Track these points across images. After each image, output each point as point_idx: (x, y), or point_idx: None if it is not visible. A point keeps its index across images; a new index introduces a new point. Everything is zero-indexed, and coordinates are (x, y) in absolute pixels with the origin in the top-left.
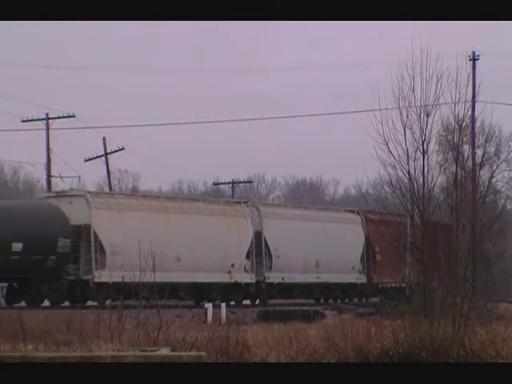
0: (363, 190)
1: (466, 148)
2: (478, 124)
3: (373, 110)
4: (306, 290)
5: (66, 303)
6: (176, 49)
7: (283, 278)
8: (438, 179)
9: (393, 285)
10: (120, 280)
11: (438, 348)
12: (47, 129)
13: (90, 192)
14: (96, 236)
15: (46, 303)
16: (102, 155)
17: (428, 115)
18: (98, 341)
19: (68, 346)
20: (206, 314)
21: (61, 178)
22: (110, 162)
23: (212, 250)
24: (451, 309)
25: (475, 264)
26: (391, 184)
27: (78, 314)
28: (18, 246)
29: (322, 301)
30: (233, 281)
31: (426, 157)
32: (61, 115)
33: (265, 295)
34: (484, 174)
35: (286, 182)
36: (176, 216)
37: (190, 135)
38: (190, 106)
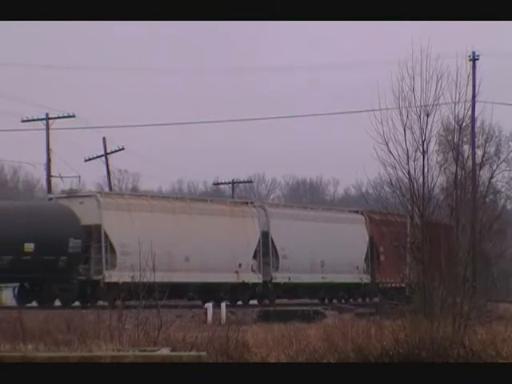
0: (363, 190)
1: (466, 148)
2: (477, 124)
3: (373, 110)
4: (311, 290)
5: (73, 303)
6: (176, 49)
7: (289, 278)
8: (438, 179)
9: (393, 285)
10: (129, 280)
11: (437, 348)
12: (47, 129)
13: (100, 192)
14: (106, 236)
15: (55, 303)
16: (102, 155)
17: (428, 115)
18: (98, 341)
19: (68, 346)
20: (205, 313)
21: (61, 178)
22: (110, 162)
23: (220, 250)
24: (451, 309)
25: (475, 264)
26: (391, 184)
27: (77, 313)
28: (30, 247)
29: (326, 301)
30: (240, 281)
31: (425, 157)
32: (61, 115)
33: (272, 295)
34: (484, 174)
35: (286, 182)
36: (184, 216)
37: (190, 135)
38: (190, 106)
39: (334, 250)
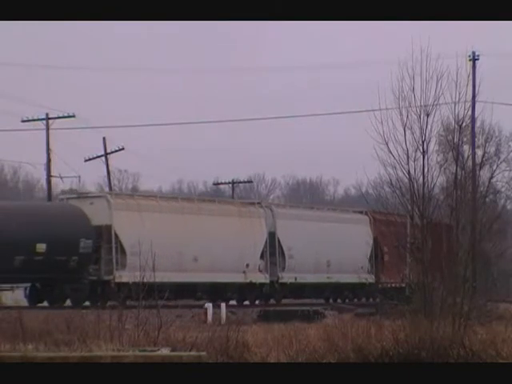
0: (363, 190)
1: (466, 148)
2: (478, 124)
3: (373, 110)
4: (316, 290)
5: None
6: (176, 49)
7: (296, 278)
8: (438, 179)
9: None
10: (140, 280)
11: (437, 348)
12: (47, 129)
13: (110, 193)
14: (117, 237)
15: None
16: (102, 155)
17: (428, 115)
18: (98, 341)
19: (68, 346)
20: (205, 313)
21: (61, 178)
22: (110, 162)
23: (228, 251)
24: (451, 309)
25: (475, 264)
26: (391, 184)
27: (77, 313)
28: (42, 247)
29: (331, 300)
30: (247, 281)
31: (426, 157)
32: (61, 115)
33: (278, 295)
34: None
35: (285, 182)
36: (193, 217)
37: (190, 135)
38: (190, 106)
39: (339, 250)
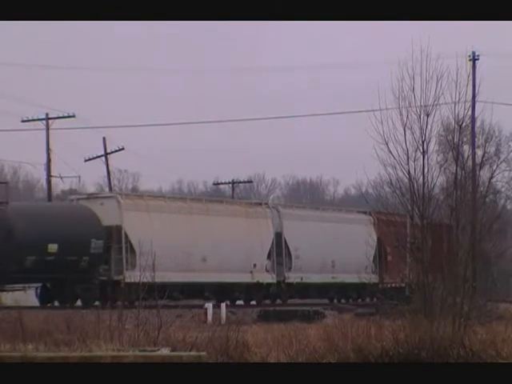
0: (363, 190)
1: (466, 148)
2: (477, 124)
3: (373, 110)
4: (321, 289)
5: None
6: (176, 49)
7: (302, 278)
8: (438, 179)
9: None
10: (149, 280)
11: (437, 348)
12: (47, 129)
13: (120, 193)
14: (127, 237)
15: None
16: (102, 155)
17: (428, 115)
18: (98, 341)
19: (68, 346)
20: (205, 313)
21: (61, 178)
22: (110, 162)
23: (235, 251)
24: (451, 309)
25: (475, 264)
26: (391, 184)
27: (77, 313)
28: (53, 247)
29: (335, 300)
30: (255, 281)
31: (426, 157)
32: (61, 115)
33: (285, 295)
34: (484, 174)
35: (285, 182)
36: (201, 217)
37: (190, 135)
38: (190, 106)
39: (343, 250)
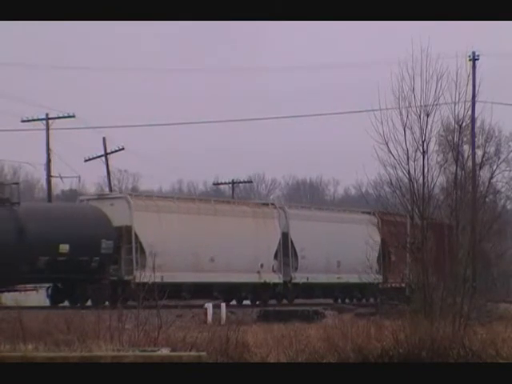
0: (363, 190)
1: (466, 148)
2: (478, 124)
3: (373, 110)
4: (326, 289)
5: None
6: (176, 49)
7: (308, 278)
8: (438, 179)
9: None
10: (159, 280)
11: (437, 348)
12: (47, 129)
13: (130, 194)
14: (137, 237)
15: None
16: (101, 155)
17: (428, 115)
18: (98, 341)
19: (68, 346)
20: (205, 314)
21: (61, 178)
22: (110, 162)
23: (243, 251)
24: (451, 309)
25: (475, 264)
26: (391, 184)
27: (77, 313)
28: (65, 248)
29: (339, 300)
30: (262, 281)
31: (425, 157)
32: (61, 115)
33: (291, 295)
34: (484, 174)
35: (285, 182)
36: (210, 218)
37: (190, 135)
38: (190, 106)
39: (348, 250)
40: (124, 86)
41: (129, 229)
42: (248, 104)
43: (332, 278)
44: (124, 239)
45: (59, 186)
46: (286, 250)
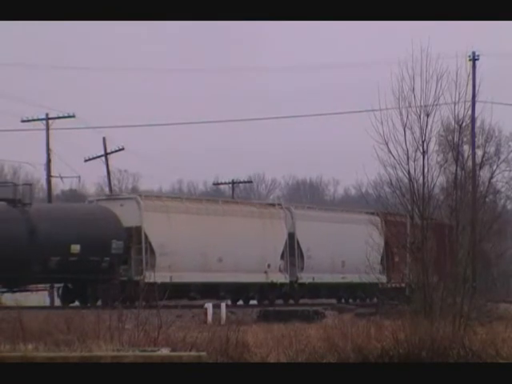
0: (363, 190)
1: (466, 148)
2: (477, 124)
3: (373, 110)
4: (331, 289)
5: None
6: (176, 49)
7: (313, 278)
8: (438, 179)
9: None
10: (168, 280)
11: (437, 348)
12: (47, 129)
13: (140, 195)
14: (146, 237)
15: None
16: (102, 155)
17: (428, 115)
18: (98, 341)
19: (68, 346)
20: (206, 314)
21: (61, 178)
22: (110, 162)
23: (250, 251)
24: (451, 309)
25: (475, 264)
26: (391, 184)
27: (77, 313)
28: (76, 248)
29: (343, 300)
30: (269, 281)
31: (425, 157)
32: (61, 115)
33: (297, 295)
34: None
35: (285, 182)
36: (218, 218)
37: (190, 135)
38: (190, 106)
39: (352, 250)
40: (124, 86)
41: (139, 229)
42: (248, 104)
43: (337, 278)
44: (134, 239)
45: (59, 186)
46: (293, 251)
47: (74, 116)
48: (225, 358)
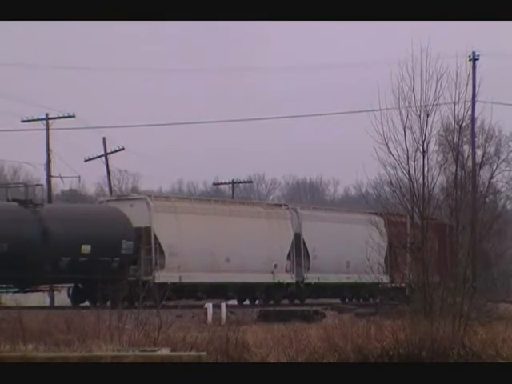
0: (363, 190)
1: (466, 148)
2: (477, 124)
3: (373, 110)
4: (336, 289)
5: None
6: (176, 49)
7: (319, 278)
8: (438, 179)
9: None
10: (177, 280)
11: (437, 348)
12: (47, 129)
13: (150, 195)
14: (156, 238)
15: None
16: (102, 155)
17: (428, 115)
18: (98, 341)
19: (68, 346)
20: (206, 314)
21: (61, 178)
22: (110, 162)
23: (257, 251)
24: (451, 309)
25: (475, 264)
26: (391, 184)
27: (77, 313)
28: (86, 248)
29: (347, 300)
30: (275, 281)
31: (425, 157)
32: (61, 115)
33: (303, 295)
34: (484, 174)
35: (286, 182)
36: (225, 218)
37: (190, 135)
38: (190, 106)
39: (357, 250)
40: (124, 85)
41: (148, 230)
42: (248, 104)
43: (342, 278)
44: (143, 240)
45: (59, 186)
46: (299, 251)
47: (74, 116)
48: (225, 358)
